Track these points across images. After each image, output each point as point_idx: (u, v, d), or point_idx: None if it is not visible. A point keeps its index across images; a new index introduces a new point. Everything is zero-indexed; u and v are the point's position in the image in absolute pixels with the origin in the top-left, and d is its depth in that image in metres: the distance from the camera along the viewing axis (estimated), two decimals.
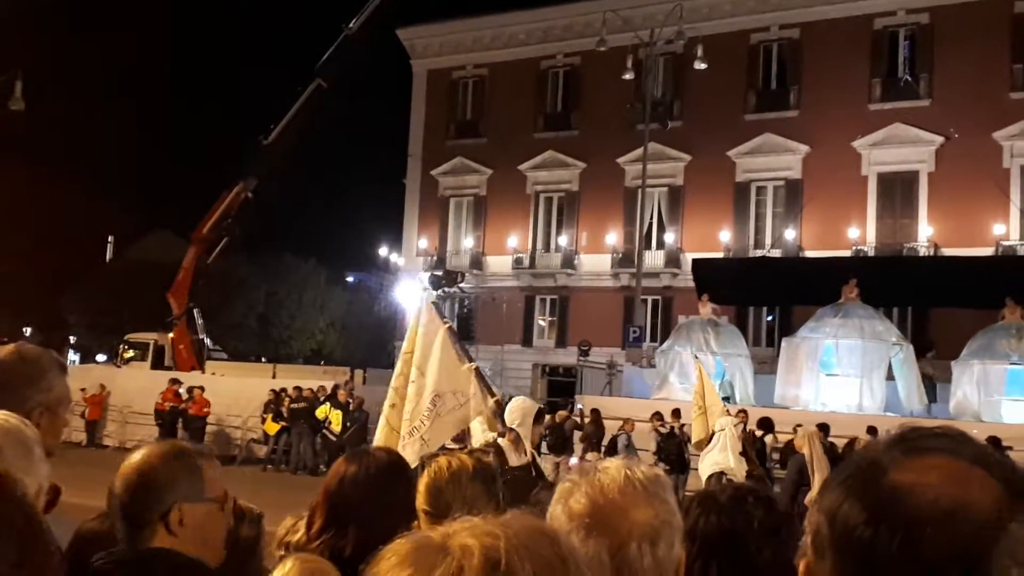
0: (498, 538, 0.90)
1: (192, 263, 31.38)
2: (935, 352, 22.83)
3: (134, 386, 26.02)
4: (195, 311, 31.51)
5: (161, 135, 70.65)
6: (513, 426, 6.38)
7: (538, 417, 5.98)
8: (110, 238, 53.88)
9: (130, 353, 31.17)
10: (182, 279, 31.26)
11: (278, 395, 23.02)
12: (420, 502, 2.27)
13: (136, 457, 2.27)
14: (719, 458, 11.67)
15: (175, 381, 24.35)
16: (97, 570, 2.15)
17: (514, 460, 6.61)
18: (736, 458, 12.20)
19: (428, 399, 6.12)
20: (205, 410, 23.49)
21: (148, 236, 49.65)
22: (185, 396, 23.80)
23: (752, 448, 13.61)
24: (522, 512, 0.97)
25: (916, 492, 0.86)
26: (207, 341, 32.03)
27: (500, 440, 6.34)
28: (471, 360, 6.35)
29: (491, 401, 6.13)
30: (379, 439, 6.08)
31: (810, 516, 0.96)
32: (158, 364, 30.30)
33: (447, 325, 6.46)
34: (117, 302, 38.96)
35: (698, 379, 13.46)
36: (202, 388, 23.88)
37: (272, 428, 22.53)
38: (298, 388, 23.00)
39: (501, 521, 0.93)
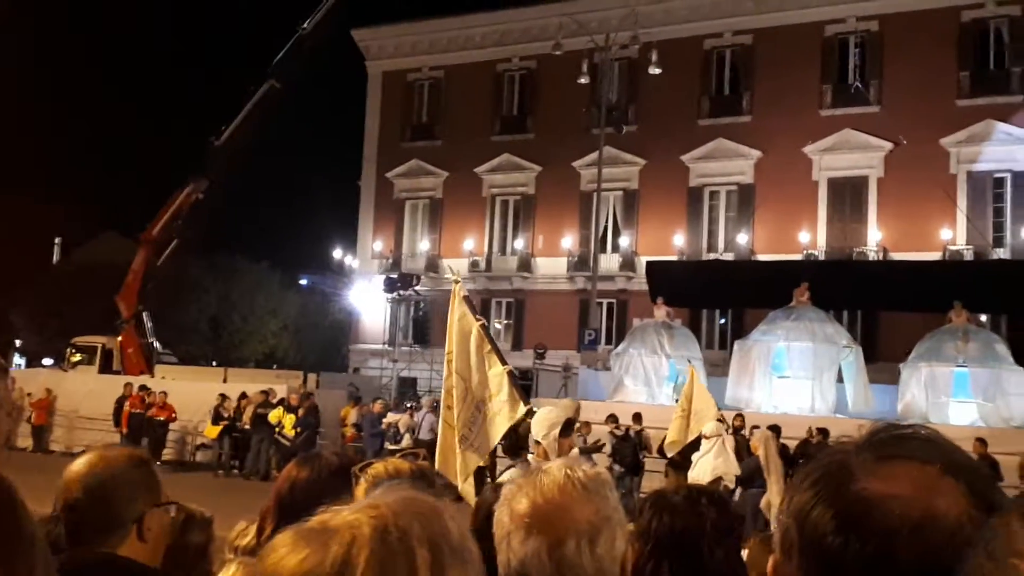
0: (380, 508, 0.95)
1: (141, 266, 30.88)
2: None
3: (82, 390, 25.56)
4: (144, 314, 31.03)
5: (110, 136, 69.51)
6: (538, 439, 5.99)
7: (565, 429, 5.69)
8: (57, 240, 52.88)
9: (77, 357, 30.60)
10: (131, 282, 30.76)
11: (224, 399, 22.85)
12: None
13: (96, 462, 2.23)
14: (717, 463, 11.62)
15: (143, 388, 23.77)
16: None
17: None
18: (735, 464, 12.21)
19: (472, 406, 5.99)
20: (174, 415, 23.01)
21: (96, 238, 48.80)
22: (147, 401, 23.31)
23: (748, 453, 13.54)
24: (398, 489, 1.02)
25: (886, 502, 0.86)
26: (156, 345, 31.55)
27: (530, 457, 5.95)
28: (504, 363, 6.13)
29: (521, 409, 5.87)
30: (441, 440, 6.07)
31: (779, 516, 0.96)
32: (106, 368, 29.79)
33: (480, 323, 6.27)
34: (64, 305, 38.26)
35: (688, 383, 13.34)
36: (165, 394, 23.36)
37: (212, 432, 22.32)
38: (264, 392, 22.71)
39: (377, 498, 0.99)
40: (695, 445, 12.08)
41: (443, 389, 6.21)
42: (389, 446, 20.69)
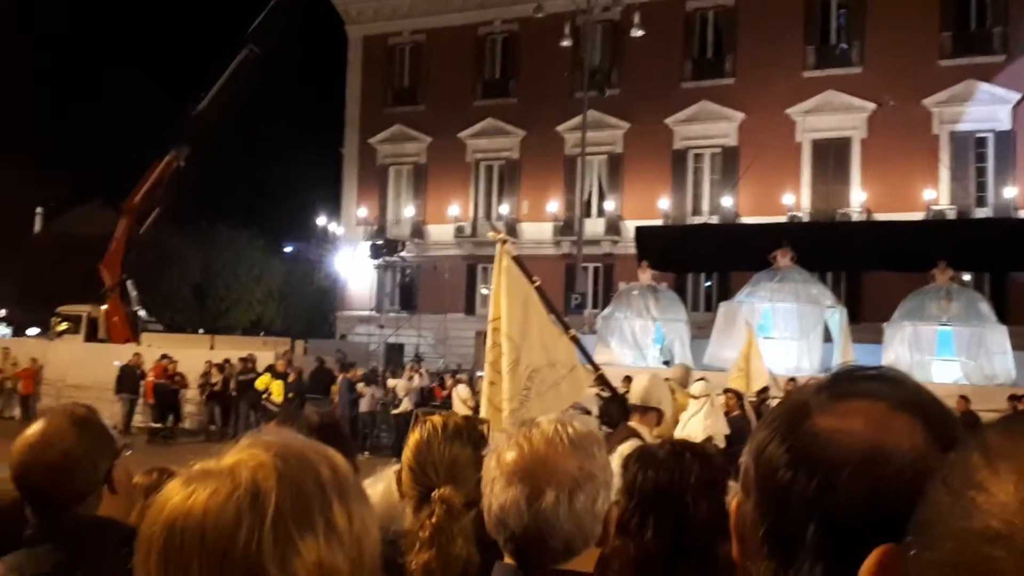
0: (270, 442, 0.98)
1: (124, 234, 30.72)
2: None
3: (68, 359, 25.58)
4: (128, 283, 30.92)
5: (90, 103, 68.68)
6: (636, 402, 5.65)
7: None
8: (38, 210, 52.46)
9: (63, 326, 30.55)
10: (114, 250, 30.61)
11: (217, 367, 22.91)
12: (407, 456, 2.31)
13: (58, 425, 2.18)
14: (708, 423, 11.70)
15: (165, 356, 23.50)
16: (30, 539, 2.11)
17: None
18: (724, 424, 12.33)
19: (524, 375, 5.46)
20: (177, 378, 23.05)
21: (78, 207, 48.42)
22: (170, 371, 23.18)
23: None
24: (296, 436, 1.05)
25: (835, 437, 0.87)
26: (142, 313, 31.49)
27: (634, 424, 5.56)
28: (567, 328, 5.71)
29: (588, 377, 5.53)
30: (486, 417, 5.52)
31: (742, 457, 0.98)
32: (92, 337, 29.75)
33: (536, 284, 5.79)
34: (48, 275, 38.05)
35: (747, 343, 14.92)
36: (213, 363, 23.25)
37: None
38: (243, 359, 22.78)
39: (259, 438, 1.00)
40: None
41: (486, 362, 5.57)
42: (392, 412, 20.98)
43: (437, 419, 2.40)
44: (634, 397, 5.79)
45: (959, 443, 0.66)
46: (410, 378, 22.33)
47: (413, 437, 2.35)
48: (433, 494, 2.18)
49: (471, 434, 2.38)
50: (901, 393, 0.91)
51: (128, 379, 22.98)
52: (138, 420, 22.91)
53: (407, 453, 2.32)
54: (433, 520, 2.12)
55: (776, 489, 0.88)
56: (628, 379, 18.15)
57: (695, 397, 11.92)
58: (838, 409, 0.90)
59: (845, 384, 0.93)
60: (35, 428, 2.19)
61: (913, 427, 0.87)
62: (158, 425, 22.27)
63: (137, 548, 0.95)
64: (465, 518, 2.14)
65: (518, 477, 1.67)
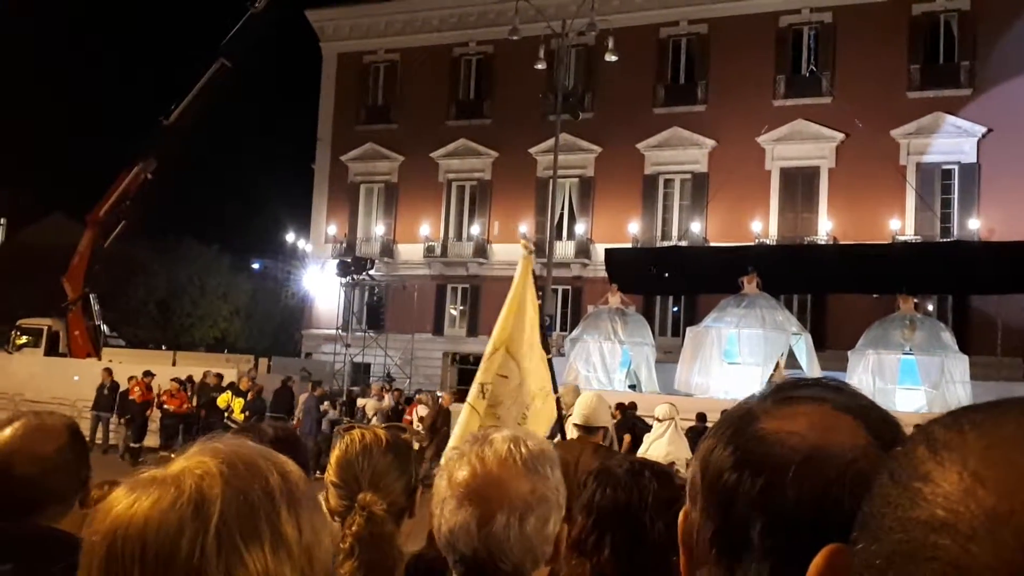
0: (219, 449, 0.93)
1: (88, 247, 30.36)
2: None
3: (26, 373, 25.19)
4: (91, 296, 30.55)
5: (56, 113, 68.00)
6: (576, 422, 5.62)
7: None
8: (1, 220, 51.75)
9: (23, 339, 30.10)
10: (77, 263, 30.24)
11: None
12: (329, 474, 2.28)
13: (54, 424, 2.16)
14: (671, 449, 11.68)
15: (147, 373, 22.85)
16: None
17: None
18: (687, 448, 12.31)
19: (522, 403, 5.32)
20: (186, 406, 22.03)
21: (42, 219, 47.79)
22: (157, 391, 22.36)
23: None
24: (227, 439, 1.00)
25: (780, 438, 0.89)
26: (104, 327, 31.06)
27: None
28: (548, 349, 5.60)
29: (552, 400, 5.44)
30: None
31: (689, 468, 1.01)
32: (52, 351, 29.33)
33: (538, 303, 5.62)
34: (9, 286, 37.46)
35: (777, 370, 14.55)
36: (180, 381, 22.56)
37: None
38: (219, 375, 22.39)
39: (210, 444, 0.96)
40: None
41: (482, 382, 5.28)
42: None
43: (356, 432, 2.39)
44: (579, 417, 5.77)
45: (899, 444, 0.65)
46: (380, 398, 22.19)
47: (334, 453, 2.33)
48: (356, 501, 2.15)
49: (393, 443, 2.35)
50: (842, 397, 0.94)
51: (105, 396, 22.53)
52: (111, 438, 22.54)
53: (329, 469, 2.32)
54: (353, 529, 2.08)
55: (722, 491, 0.90)
56: (621, 406, 18.33)
57: (659, 420, 11.92)
58: (782, 412, 0.92)
59: (788, 391, 0.96)
60: (28, 422, 2.13)
61: (856, 428, 0.90)
62: (136, 445, 21.62)
63: (80, 557, 0.93)
64: (388, 525, 2.11)
65: (469, 499, 1.64)
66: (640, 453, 11.46)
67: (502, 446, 1.70)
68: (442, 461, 1.77)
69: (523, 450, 1.70)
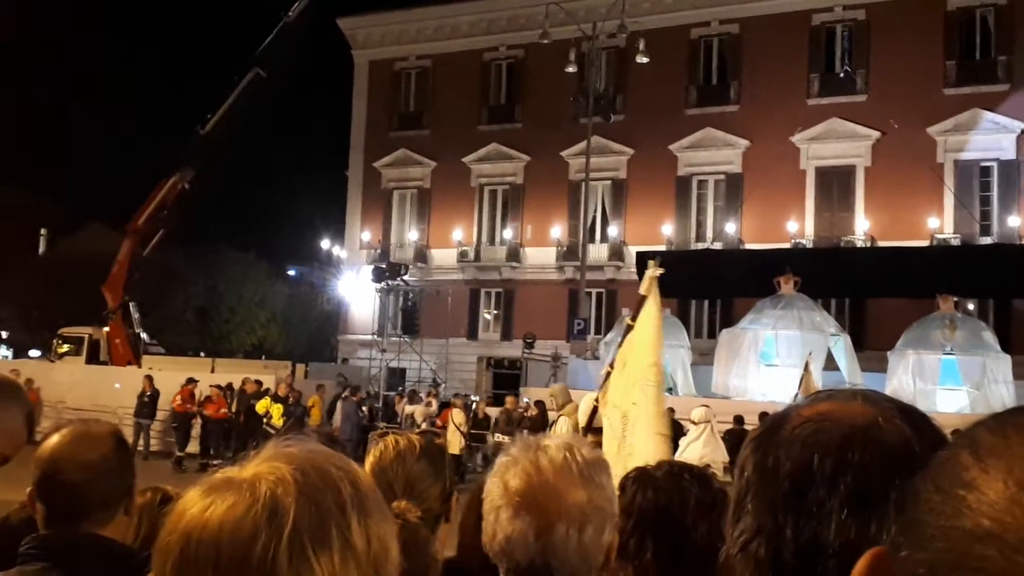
0: (293, 454, 0.95)
1: (127, 256, 30.74)
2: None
3: (68, 381, 25.48)
4: (131, 305, 30.92)
5: (95, 125, 69.12)
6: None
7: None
8: (43, 231, 52.60)
9: (64, 348, 30.49)
10: (117, 272, 30.63)
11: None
12: None
13: (99, 432, 2.20)
14: (706, 451, 11.64)
15: (191, 380, 22.99)
16: (27, 556, 2.07)
17: None
18: (723, 451, 12.27)
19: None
20: (223, 411, 22.17)
21: (82, 229, 48.51)
22: (200, 397, 22.56)
23: None
24: (301, 443, 1.01)
25: (819, 426, 0.92)
26: (143, 335, 31.43)
27: None
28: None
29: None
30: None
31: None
32: (93, 359, 29.70)
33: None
34: (51, 296, 38.08)
35: (807, 376, 15.72)
36: (220, 387, 22.72)
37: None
38: (258, 382, 22.56)
39: (283, 450, 0.97)
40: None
41: (624, 412, 5.48)
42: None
43: (390, 439, 2.38)
44: (584, 419, 5.86)
45: (941, 444, 0.64)
46: (428, 404, 22.38)
47: (368, 459, 2.32)
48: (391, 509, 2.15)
49: (427, 448, 2.35)
50: (879, 398, 0.96)
51: (146, 403, 22.80)
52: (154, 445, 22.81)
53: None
54: None
55: (764, 489, 0.92)
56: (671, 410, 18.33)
57: (695, 423, 11.87)
58: (817, 407, 0.95)
59: (822, 395, 0.99)
60: (75, 429, 2.19)
61: (899, 421, 0.92)
62: (181, 453, 21.78)
63: (154, 556, 0.94)
64: (423, 532, 2.10)
65: (526, 508, 1.62)
66: (677, 456, 11.41)
67: (558, 454, 1.67)
68: (493, 466, 1.76)
69: (579, 459, 1.68)
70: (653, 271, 5.95)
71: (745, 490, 0.95)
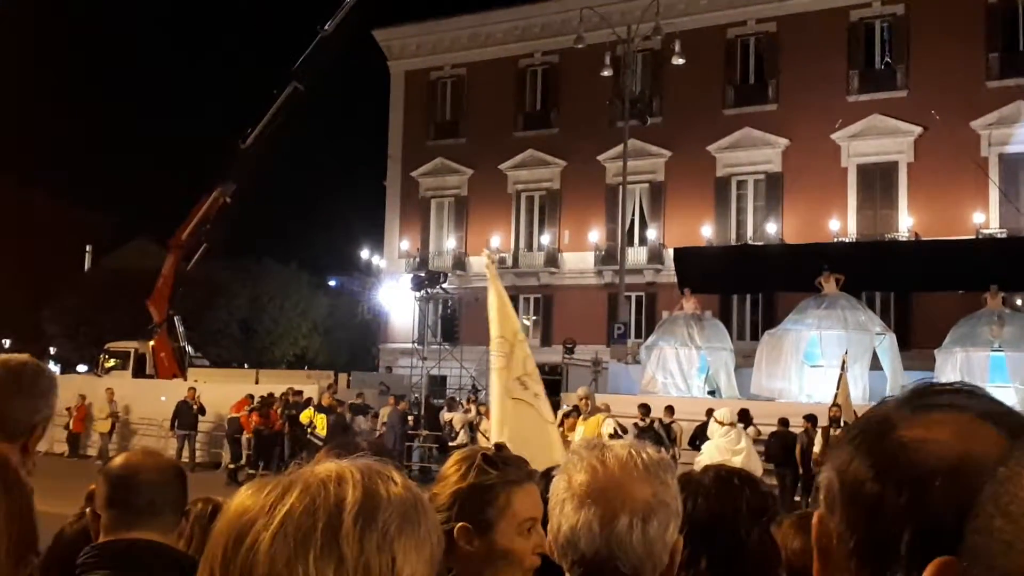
0: (354, 460, 0.97)
1: (171, 270, 31.16)
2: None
3: (115, 394, 25.79)
4: (175, 319, 31.31)
5: (137, 141, 70.19)
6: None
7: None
8: (88, 247, 53.49)
9: (111, 362, 30.94)
10: (161, 287, 31.05)
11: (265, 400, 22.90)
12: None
13: (154, 455, 2.46)
14: (735, 461, 11.55)
15: (249, 396, 23.17)
16: (87, 564, 2.13)
17: None
18: (756, 459, 12.17)
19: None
20: (269, 423, 22.28)
21: (126, 244, 49.29)
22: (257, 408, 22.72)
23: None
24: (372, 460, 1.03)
25: (922, 448, 0.87)
26: (188, 348, 31.81)
27: None
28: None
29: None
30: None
31: (822, 473, 0.98)
32: (139, 373, 30.12)
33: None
34: (96, 311, 38.63)
35: (842, 384, 16.05)
36: (250, 397, 22.89)
37: None
38: (299, 392, 22.66)
39: (343, 465, 0.98)
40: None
41: (518, 376, 6.21)
42: (450, 444, 20.96)
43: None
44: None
45: None
46: (467, 410, 22.39)
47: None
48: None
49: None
50: (982, 404, 0.91)
51: (184, 415, 23.04)
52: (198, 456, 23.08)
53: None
54: None
55: (866, 503, 0.89)
56: (670, 408, 18.10)
57: (720, 423, 11.80)
58: (922, 421, 0.90)
59: (925, 398, 0.94)
60: (140, 448, 2.54)
61: (997, 437, 0.87)
62: (233, 465, 21.93)
63: (205, 551, 0.95)
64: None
65: (591, 499, 1.65)
66: (704, 458, 11.34)
67: (622, 451, 1.71)
68: (561, 466, 1.79)
69: (643, 456, 1.71)
70: (488, 260, 7.14)
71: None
